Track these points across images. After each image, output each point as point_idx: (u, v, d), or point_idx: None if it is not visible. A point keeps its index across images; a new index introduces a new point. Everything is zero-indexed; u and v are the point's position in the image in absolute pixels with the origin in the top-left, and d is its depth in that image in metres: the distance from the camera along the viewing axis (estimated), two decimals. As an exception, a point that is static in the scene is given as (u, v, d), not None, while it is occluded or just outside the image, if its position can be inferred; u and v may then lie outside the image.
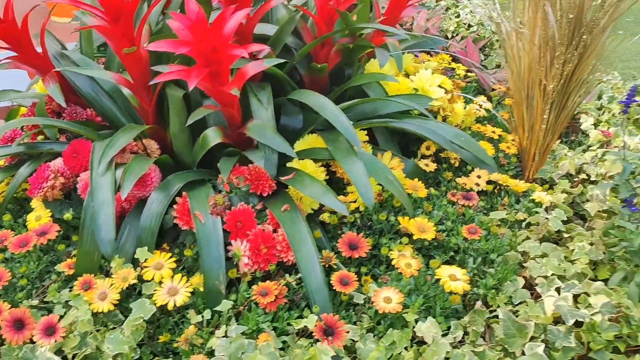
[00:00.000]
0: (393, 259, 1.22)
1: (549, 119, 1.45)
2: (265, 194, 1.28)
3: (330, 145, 1.32)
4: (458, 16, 2.72)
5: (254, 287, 1.13)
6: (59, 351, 1.08)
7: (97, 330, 1.11)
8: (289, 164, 1.34)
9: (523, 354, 1.04)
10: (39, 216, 1.28)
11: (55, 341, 1.06)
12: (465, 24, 2.61)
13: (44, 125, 1.46)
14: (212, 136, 1.32)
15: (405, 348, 1.08)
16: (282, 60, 1.28)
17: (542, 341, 1.06)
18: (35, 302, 1.15)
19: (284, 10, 1.60)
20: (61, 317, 1.11)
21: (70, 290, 1.15)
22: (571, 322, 1.05)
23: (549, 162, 1.61)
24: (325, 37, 1.43)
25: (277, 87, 1.51)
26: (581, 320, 1.07)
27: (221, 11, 1.13)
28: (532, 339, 1.06)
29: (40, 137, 1.50)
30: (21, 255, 1.22)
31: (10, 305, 1.12)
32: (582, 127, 1.75)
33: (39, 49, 1.45)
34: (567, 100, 1.41)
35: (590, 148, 1.66)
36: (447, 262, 1.29)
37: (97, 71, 1.40)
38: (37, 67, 1.44)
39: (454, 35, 2.58)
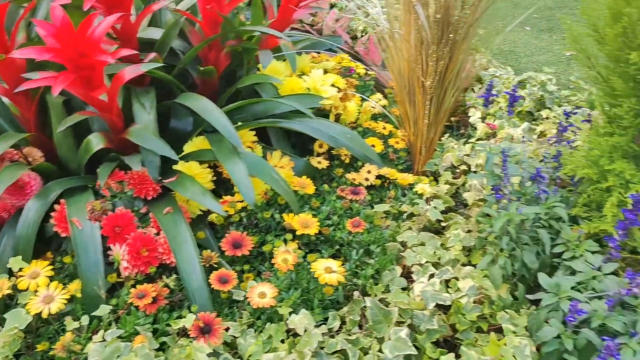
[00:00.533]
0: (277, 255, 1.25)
1: (429, 113, 1.52)
2: (149, 198, 1.29)
3: (214, 146, 1.34)
4: (367, 16, 2.78)
5: (132, 290, 1.14)
6: None
7: (-28, 344, 1.10)
8: (175, 167, 1.35)
9: (390, 338, 1.09)
10: None
11: None
12: (373, 24, 2.68)
13: None
14: (95, 142, 1.32)
15: (282, 341, 1.12)
16: (158, 64, 1.29)
17: (409, 326, 1.12)
18: None
19: (171, 15, 1.61)
20: None
21: (-58, 305, 1.13)
22: (432, 305, 1.12)
23: (438, 155, 1.69)
24: (209, 40, 1.45)
25: (167, 90, 1.53)
26: (442, 303, 1.13)
27: (86, 17, 1.13)
28: (399, 324, 1.12)
29: None
30: None
31: None
32: (470, 121, 1.83)
33: None
34: (445, 95, 1.49)
35: (477, 140, 1.75)
36: (333, 256, 1.34)
37: (-28, 79, 1.37)
38: None
39: (363, 34, 2.64)
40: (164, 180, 1.29)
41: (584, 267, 1.12)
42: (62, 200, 1.23)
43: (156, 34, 1.54)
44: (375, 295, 1.22)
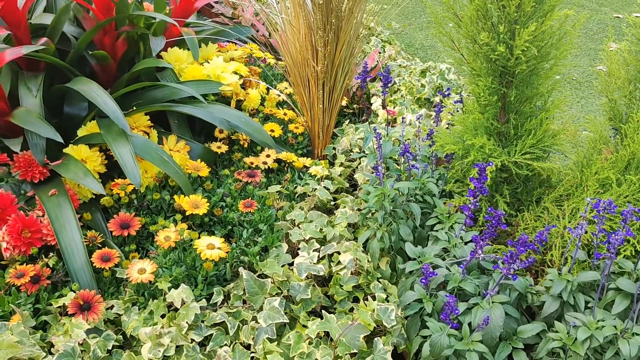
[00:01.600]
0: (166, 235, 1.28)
1: (324, 98, 1.57)
2: (36, 181, 1.30)
3: (103, 130, 1.35)
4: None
5: (11, 270, 1.15)
6: None
7: None
8: (65, 150, 1.36)
9: (265, 309, 1.13)
10: None
11: None
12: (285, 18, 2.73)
13: None
14: (-21, 126, 1.31)
15: (163, 315, 1.15)
16: (39, 47, 1.29)
17: (286, 297, 1.17)
18: None
19: (64, 1, 1.61)
20: None
21: None
22: (304, 275, 1.17)
23: (339, 140, 1.75)
24: (100, 24, 1.46)
25: (63, 76, 1.52)
26: (316, 273, 1.19)
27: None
28: (277, 295, 1.17)
29: None
30: None
31: None
32: (372, 108, 1.90)
33: None
34: (336, 79, 1.54)
35: (378, 124, 1.82)
36: (226, 236, 1.38)
37: None
38: None
39: (279, 28, 2.68)
40: (50, 163, 1.29)
41: (447, 237, 1.19)
42: (-61, 184, 1.22)
43: (49, 19, 1.54)
44: (261, 271, 1.26)
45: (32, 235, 1.21)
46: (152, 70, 1.64)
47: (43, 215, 1.25)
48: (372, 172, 1.42)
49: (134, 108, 1.49)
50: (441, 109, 1.35)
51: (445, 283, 1.11)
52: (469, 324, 1.03)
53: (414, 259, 1.17)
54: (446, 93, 1.39)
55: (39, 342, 1.07)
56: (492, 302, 1.05)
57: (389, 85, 1.83)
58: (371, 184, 1.38)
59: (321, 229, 1.36)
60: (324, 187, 1.47)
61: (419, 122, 1.36)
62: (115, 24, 1.53)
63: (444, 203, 1.30)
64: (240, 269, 1.24)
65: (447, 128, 1.51)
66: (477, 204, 1.09)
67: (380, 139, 1.26)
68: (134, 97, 1.58)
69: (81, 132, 1.43)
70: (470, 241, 1.16)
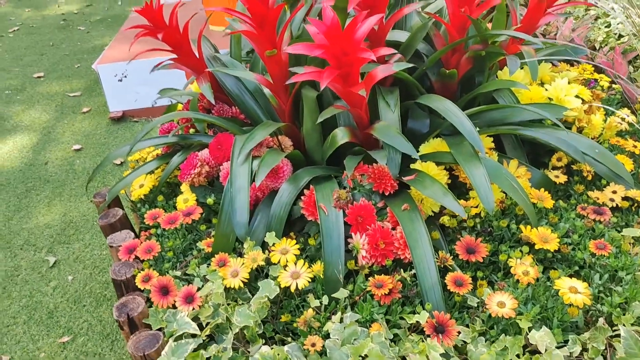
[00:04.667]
0: (512, 266, 1.21)
1: (699, 133, 1.34)
2: (387, 193, 1.34)
3: (453, 149, 1.34)
4: (608, 26, 2.56)
5: (371, 279, 1.19)
6: (194, 318, 1.21)
7: (228, 304, 1.24)
8: (412, 166, 1.38)
9: (646, 376, 0.98)
10: (186, 199, 1.45)
11: (193, 309, 1.20)
12: (615, 34, 2.46)
13: (195, 119, 1.64)
14: (340, 135, 1.40)
15: (517, 355, 1.07)
16: (409, 65, 1.32)
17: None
18: (178, 273, 1.31)
19: (417, 18, 1.64)
20: (199, 288, 1.24)
21: (208, 266, 1.29)
22: None
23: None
24: (456, 43, 1.45)
25: (406, 91, 1.57)
26: None
27: (353, 17, 1.21)
28: (657, 362, 1.01)
29: (191, 131, 1.69)
30: (170, 232, 1.39)
31: (158, 274, 1.29)
32: None
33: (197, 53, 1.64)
34: None
35: None
36: (570, 276, 1.25)
37: (242, 72, 1.55)
38: (193, 67, 1.63)
39: (602, 45, 2.43)
40: (403, 178, 1.32)
41: None
42: (311, 187, 1.32)
43: (401, 36, 1.59)
44: (624, 326, 1.11)
45: (385, 247, 1.24)
46: (490, 91, 1.59)
47: (394, 229, 1.28)
48: None
49: (477, 128, 1.45)
50: None
51: None
52: None
53: None
54: None
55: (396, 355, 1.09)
56: None
57: None
58: None
59: (697, 290, 1.15)
60: (699, 239, 1.25)
61: None
62: (465, 42, 1.52)
63: None
64: (601, 321, 1.11)
65: None
66: None
67: None
68: (471, 116, 1.54)
69: (424, 148, 1.44)
70: None
